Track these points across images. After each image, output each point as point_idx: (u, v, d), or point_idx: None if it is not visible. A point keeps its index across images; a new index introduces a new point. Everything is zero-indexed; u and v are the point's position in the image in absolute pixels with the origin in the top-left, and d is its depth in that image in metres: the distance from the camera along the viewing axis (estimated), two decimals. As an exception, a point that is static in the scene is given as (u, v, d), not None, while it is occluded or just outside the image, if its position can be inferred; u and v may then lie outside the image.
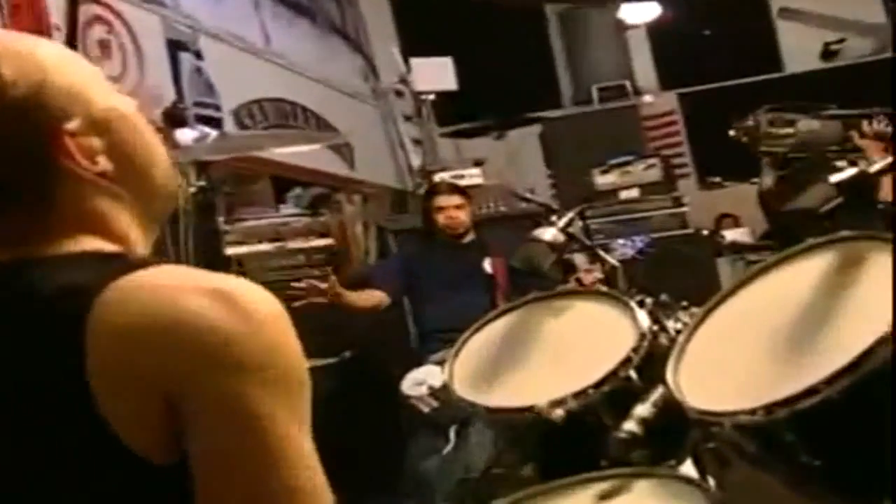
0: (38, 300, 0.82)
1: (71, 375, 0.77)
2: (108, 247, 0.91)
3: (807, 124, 3.89)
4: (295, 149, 3.90)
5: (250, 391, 0.78)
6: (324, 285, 3.41)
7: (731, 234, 5.84)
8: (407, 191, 6.10)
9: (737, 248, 5.64)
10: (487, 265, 3.97)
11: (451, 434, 3.31)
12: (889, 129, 3.96)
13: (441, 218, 4.03)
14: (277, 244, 4.02)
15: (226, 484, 0.78)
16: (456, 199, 4.07)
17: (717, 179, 6.61)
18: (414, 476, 3.36)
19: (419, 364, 3.60)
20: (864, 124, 3.99)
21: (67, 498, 0.79)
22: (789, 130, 3.86)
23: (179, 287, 0.81)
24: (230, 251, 3.85)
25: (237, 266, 3.82)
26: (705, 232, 5.23)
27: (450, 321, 3.68)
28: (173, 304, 0.79)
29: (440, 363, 3.42)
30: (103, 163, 0.92)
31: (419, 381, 3.45)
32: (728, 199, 6.32)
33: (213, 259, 3.62)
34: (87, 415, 0.77)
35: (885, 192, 3.92)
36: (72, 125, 0.90)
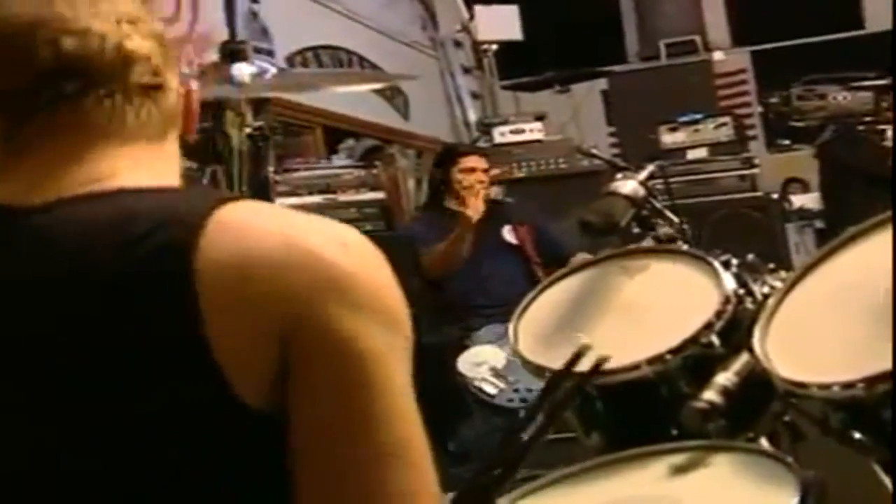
0: (138, 231, 0.77)
1: (182, 315, 0.74)
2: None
3: (838, 96, 3.77)
4: (355, 87, 3.84)
5: (365, 329, 0.77)
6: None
7: (798, 200, 5.69)
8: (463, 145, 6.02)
9: (805, 215, 5.50)
10: (508, 234, 3.85)
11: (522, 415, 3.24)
12: None
13: (470, 179, 3.86)
14: (328, 196, 3.99)
15: (332, 424, 0.76)
16: (484, 163, 3.95)
17: (787, 142, 6.43)
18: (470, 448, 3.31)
19: (460, 345, 3.52)
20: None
21: (161, 441, 0.75)
22: (820, 104, 3.76)
23: (291, 223, 0.80)
24: (279, 202, 3.82)
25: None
26: (774, 196, 5.09)
27: (474, 295, 3.62)
28: (288, 239, 0.78)
29: (495, 342, 3.37)
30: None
31: (477, 362, 3.38)
32: (797, 163, 6.15)
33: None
34: (200, 359, 0.74)
35: None
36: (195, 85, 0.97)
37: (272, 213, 0.82)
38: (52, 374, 0.76)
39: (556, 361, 1.58)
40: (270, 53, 4.35)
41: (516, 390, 3.28)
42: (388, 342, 0.78)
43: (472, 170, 3.91)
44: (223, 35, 3.95)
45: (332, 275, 0.77)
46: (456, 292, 3.73)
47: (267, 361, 0.76)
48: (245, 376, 0.75)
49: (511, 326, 1.73)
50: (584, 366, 1.12)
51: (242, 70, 1.87)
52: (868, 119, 3.98)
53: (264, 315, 0.75)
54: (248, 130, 1.99)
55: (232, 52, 1.88)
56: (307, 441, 0.77)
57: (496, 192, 4.10)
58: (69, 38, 0.84)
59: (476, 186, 3.84)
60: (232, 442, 0.76)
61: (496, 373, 3.31)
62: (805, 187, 5.99)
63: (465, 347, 3.47)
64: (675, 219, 1.94)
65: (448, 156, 4.06)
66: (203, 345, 0.74)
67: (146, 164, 0.88)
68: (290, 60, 4.59)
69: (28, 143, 0.85)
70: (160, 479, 0.76)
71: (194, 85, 0.97)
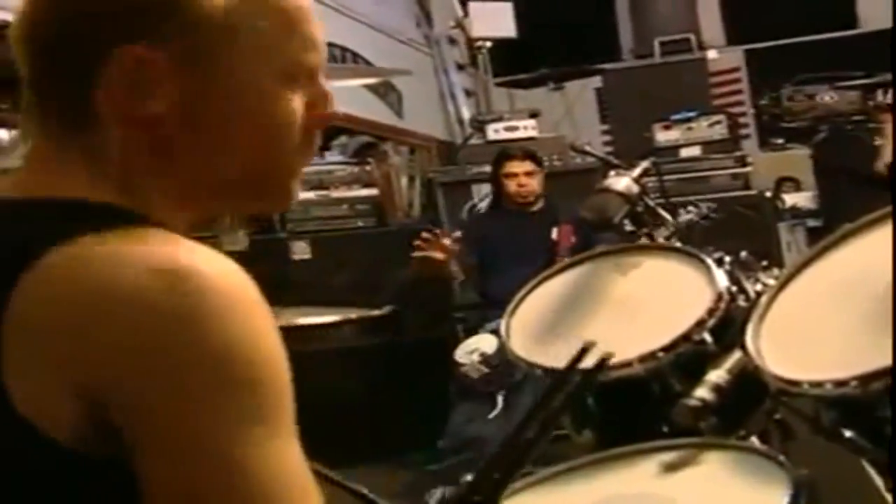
0: None
1: None
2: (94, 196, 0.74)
3: (825, 97, 3.78)
4: (349, 82, 3.83)
5: (198, 407, 0.65)
6: (446, 241, 3.36)
7: (791, 198, 5.70)
8: (455, 143, 6.00)
9: (797, 213, 5.50)
10: (555, 234, 3.87)
11: (499, 400, 3.26)
12: None
13: (511, 185, 3.93)
14: (321, 192, 3.98)
15: (157, 474, 0.65)
16: (528, 166, 3.96)
17: (780, 141, 6.44)
18: (459, 436, 3.33)
19: (474, 332, 3.54)
20: (879, 94, 3.86)
21: None
22: (810, 104, 3.76)
23: (122, 260, 0.67)
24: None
25: (278, 213, 3.78)
26: (767, 194, 5.10)
27: (514, 293, 3.59)
28: (106, 280, 0.66)
29: (495, 332, 3.37)
30: (155, 106, 0.75)
31: (471, 350, 3.40)
32: (790, 162, 6.15)
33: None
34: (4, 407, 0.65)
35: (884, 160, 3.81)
36: (131, 49, 0.74)
37: (101, 254, 0.68)
38: None
39: (548, 358, 1.58)
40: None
41: (499, 374, 3.30)
42: (237, 415, 0.66)
43: (514, 175, 3.93)
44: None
45: (150, 328, 0.65)
46: (500, 293, 3.72)
47: (78, 419, 0.66)
48: (56, 426, 0.66)
49: (503, 323, 1.72)
50: (587, 362, 1.11)
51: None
52: (856, 118, 3.99)
53: (63, 376, 0.65)
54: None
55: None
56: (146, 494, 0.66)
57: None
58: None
59: (516, 190, 3.88)
60: (49, 486, 0.67)
61: (484, 358, 3.33)
62: (798, 186, 6.00)
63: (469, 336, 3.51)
64: (669, 217, 1.94)
65: (497, 158, 4.11)
66: (3, 392, 0.65)
67: (52, 166, 0.76)
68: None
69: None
70: None
71: (142, 51, 0.75)
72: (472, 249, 3.72)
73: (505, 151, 4.10)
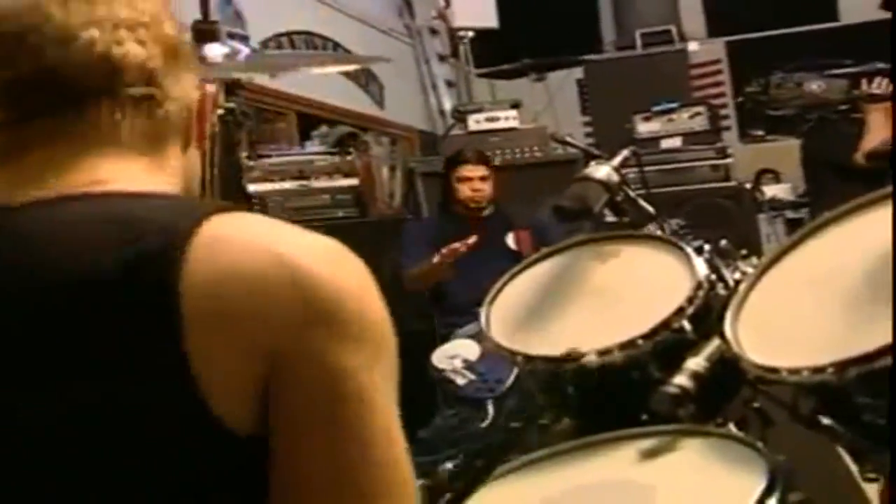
0: (121, 236, 0.74)
1: (162, 329, 0.71)
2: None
3: (812, 85, 3.79)
4: (328, 69, 3.81)
5: (352, 359, 0.74)
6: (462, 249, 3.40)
7: (771, 190, 5.73)
8: (437, 133, 6.00)
9: (777, 205, 5.53)
10: (511, 240, 3.84)
11: (489, 408, 3.25)
12: (887, 90, 3.85)
13: (465, 190, 3.87)
14: (301, 183, 3.96)
15: (311, 447, 0.74)
16: (482, 170, 3.91)
17: (760, 133, 6.47)
18: (444, 439, 3.31)
19: (443, 340, 3.52)
20: (864, 84, 3.88)
21: (142, 468, 0.72)
22: (798, 92, 3.76)
23: (279, 239, 0.76)
24: (252, 188, 3.79)
25: (259, 203, 3.76)
26: (747, 186, 5.12)
27: (473, 300, 3.58)
28: (275, 257, 0.74)
29: (472, 337, 3.37)
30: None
31: (451, 355, 3.39)
32: (769, 154, 6.18)
33: (234, 194, 3.56)
34: (178, 377, 0.71)
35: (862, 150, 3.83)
36: (212, 88, 0.97)
37: (261, 227, 0.78)
38: (20, 380, 0.73)
39: (529, 346, 1.58)
40: (245, 39, 4.31)
41: (485, 381, 3.30)
42: (374, 369, 0.76)
43: (468, 179, 3.89)
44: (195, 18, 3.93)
45: (319, 296, 0.74)
46: (455, 299, 3.71)
47: (249, 383, 0.73)
48: (225, 396, 0.72)
49: (483, 311, 1.72)
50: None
51: (214, 50, 1.84)
52: (842, 108, 3.99)
53: (246, 335, 0.73)
54: (219, 112, 1.95)
55: (203, 31, 1.84)
56: (288, 472, 0.74)
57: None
58: (53, 47, 0.82)
59: (470, 195, 3.84)
60: (208, 463, 0.73)
61: (468, 365, 3.32)
62: (777, 178, 6.03)
63: (444, 340, 3.49)
64: (649, 207, 1.94)
65: (450, 162, 4.06)
66: (182, 361, 0.71)
67: (142, 176, 0.84)
68: (264, 46, 4.55)
69: (21, 146, 0.83)
70: (134, 495, 0.73)
71: (210, 88, 0.94)
72: (422, 254, 3.70)
73: (459, 154, 4.05)
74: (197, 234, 0.74)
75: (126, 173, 0.83)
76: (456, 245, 3.48)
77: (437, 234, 3.77)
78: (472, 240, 3.48)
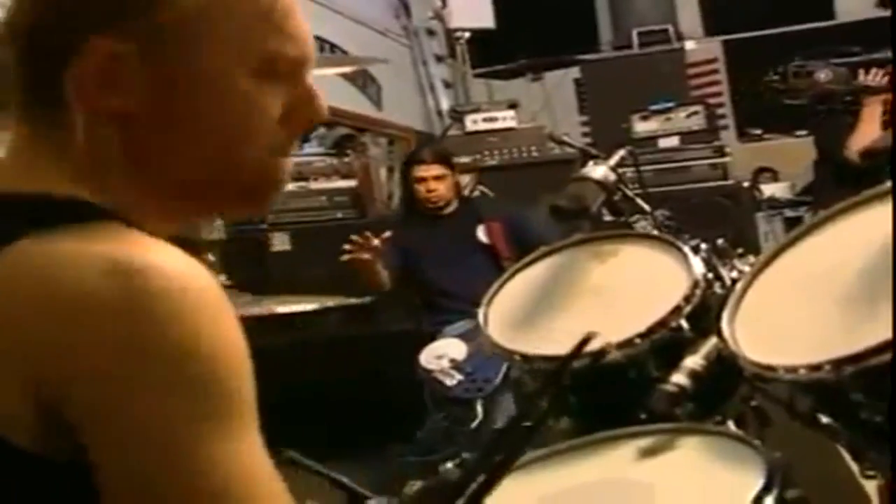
0: None
1: None
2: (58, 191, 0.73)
3: (820, 74, 3.78)
4: (325, 71, 3.80)
5: (150, 405, 0.64)
6: (375, 242, 3.39)
7: (769, 189, 5.73)
8: (434, 134, 6.00)
9: (775, 204, 5.54)
10: (481, 233, 3.80)
11: (479, 408, 3.25)
12: (881, 81, 3.85)
13: (420, 190, 3.83)
14: (299, 184, 3.96)
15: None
16: (437, 170, 3.85)
17: (758, 132, 6.48)
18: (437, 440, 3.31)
19: (430, 340, 3.52)
20: (861, 75, 3.88)
21: None
22: (809, 81, 3.76)
23: (75, 256, 0.66)
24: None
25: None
26: (745, 184, 5.12)
27: (452, 298, 3.60)
28: (58, 279, 0.65)
29: (459, 336, 3.37)
30: (122, 100, 0.74)
31: (438, 355, 3.38)
32: (767, 153, 6.19)
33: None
34: None
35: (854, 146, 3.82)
36: (103, 41, 0.73)
37: (56, 252, 0.67)
38: None
39: (528, 346, 1.58)
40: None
41: (473, 381, 3.30)
42: (192, 413, 0.65)
43: (423, 179, 3.84)
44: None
45: (101, 325, 0.64)
46: (430, 291, 3.71)
47: (33, 419, 0.65)
48: (11, 427, 0.65)
49: (481, 311, 1.72)
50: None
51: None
52: (847, 99, 3.99)
53: (17, 373, 0.65)
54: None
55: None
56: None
57: (468, 183, 4.06)
58: None
59: (425, 195, 3.82)
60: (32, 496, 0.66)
61: (455, 365, 3.32)
62: (775, 176, 6.04)
63: (433, 340, 3.49)
64: (646, 206, 1.94)
65: (406, 163, 4.03)
66: None
67: (23, 159, 0.75)
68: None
69: None
70: None
71: (114, 45, 0.73)
72: (394, 256, 3.68)
73: (413, 155, 4.02)
74: (2, 252, 0.67)
75: (10, 157, 0.75)
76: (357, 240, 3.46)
77: (404, 234, 3.76)
78: (375, 241, 3.45)
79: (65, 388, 0.65)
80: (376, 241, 3.44)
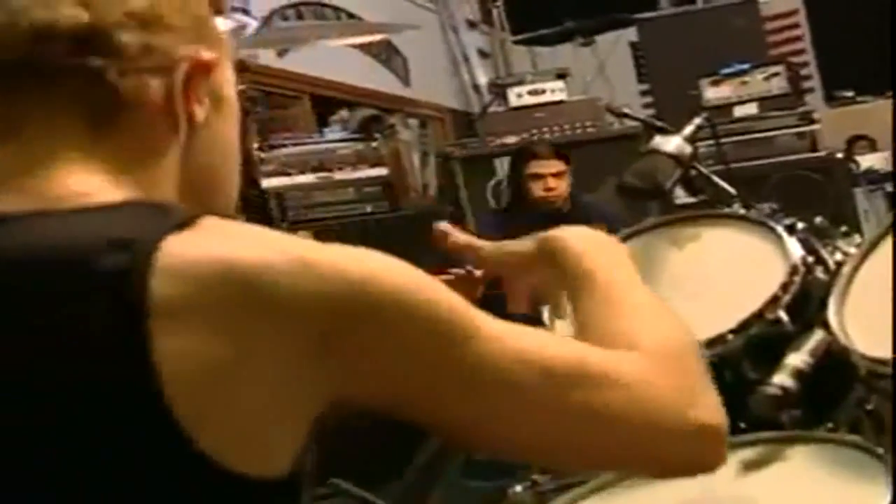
0: (72, 257, 0.74)
1: (128, 359, 0.71)
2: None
3: None
4: (346, 41, 3.83)
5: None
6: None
7: (866, 160, 5.67)
8: (472, 112, 6.01)
9: (874, 177, 5.47)
10: None
11: None
12: None
13: (537, 189, 3.94)
14: (321, 175, 3.98)
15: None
16: (556, 166, 3.97)
17: (849, 94, 6.41)
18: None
19: None
20: None
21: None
22: None
23: (239, 245, 0.76)
24: (266, 183, 3.82)
25: (276, 200, 3.80)
26: (839, 156, 5.07)
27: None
28: (229, 263, 0.74)
29: None
30: (200, 113, 0.88)
31: None
32: (862, 118, 6.12)
33: (247, 192, 3.59)
34: (152, 413, 0.71)
35: None
36: (207, 55, 0.88)
37: (223, 236, 0.77)
38: None
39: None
40: (245, 11, 4.35)
41: None
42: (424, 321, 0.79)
43: (540, 177, 3.94)
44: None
45: (275, 298, 0.74)
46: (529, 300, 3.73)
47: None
48: (223, 433, 0.73)
49: (546, 310, 1.72)
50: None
51: (219, 25, 1.86)
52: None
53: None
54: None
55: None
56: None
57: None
58: None
59: (543, 195, 3.90)
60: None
61: None
62: (873, 145, 5.97)
63: None
64: (727, 186, 1.94)
65: (519, 156, 4.12)
66: (154, 394, 0.71)
67: (125, 180, 0.84)
68: (267, 20, 4.59)
69: None
70: None
71: (204, 55, 0.88)
72: None
73: (529, 149, 4.11)
74: (158, 250, 0.74)
75: (109, 180, 0.83)
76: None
77: (508, 236, 3.78)
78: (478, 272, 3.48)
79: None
80: (478, 273, 3.48)
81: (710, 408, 0.85)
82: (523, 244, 1.20)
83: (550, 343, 0.83)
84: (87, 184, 0.81)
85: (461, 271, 3.57)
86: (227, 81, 0.93)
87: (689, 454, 0.85)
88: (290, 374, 0.74)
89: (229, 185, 0.94)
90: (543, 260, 1.10)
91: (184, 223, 0.76)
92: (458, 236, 1.25)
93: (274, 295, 0.74)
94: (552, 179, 3.94)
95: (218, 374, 0.72)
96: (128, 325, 0.71)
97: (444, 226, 1.22)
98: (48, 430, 0.72)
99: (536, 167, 3.97)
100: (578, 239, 1.06)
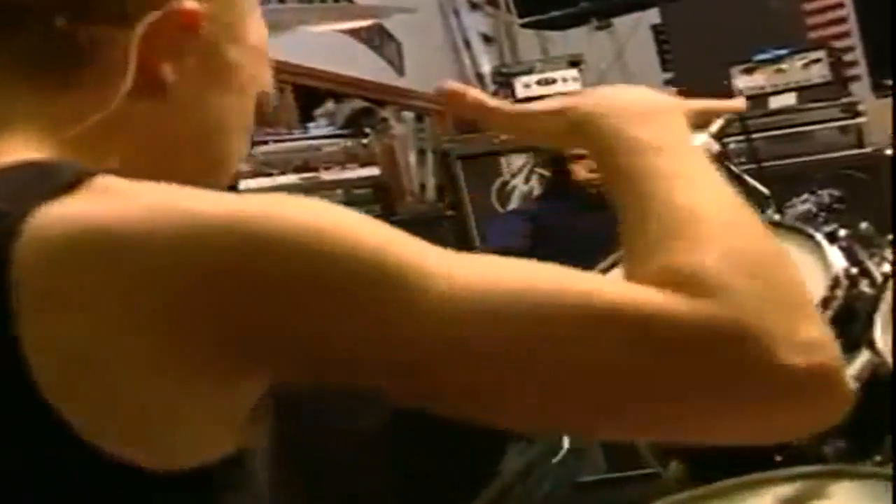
0: None
1: None
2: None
3: None
4: (333, 26, 3.85)
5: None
6: None
7: (919, 157, 5.68)
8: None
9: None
10: None
11: (564, 439, 3.27)
12: None
13: (581, 170, 3.96)
14: (306, 176, 4.00)
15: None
16: None
17: (899, 82, 6.43)
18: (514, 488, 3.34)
19: None
20: None
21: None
22: None
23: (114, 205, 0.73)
24: (244, 185, 3.84)
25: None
26: (888, 152, 5.08)
27: None
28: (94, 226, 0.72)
29: None
30: (168, 73, 0.86)
31: None
32: (913, 110, 6.13)
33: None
34: (25, 396, 0.70)
35: None
36: (189, 5, 0.85)
37: (108, 196, 0.75)
38: None
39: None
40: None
41: None
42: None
43: (582, 157, 3.96)
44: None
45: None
46: None
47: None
48: (108, 420, 0.72)
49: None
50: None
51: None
52: None
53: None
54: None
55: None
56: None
57: (522, 166, 4.09)
58: None
59: (588, 176, 3.94)
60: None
61: None
62: (926, 140, 5.98)
63: None
64: (760, 186, 1.95)
65: None
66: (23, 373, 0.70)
67: (66, 144, 0.83)
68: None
69: None
70: None
71: (187, 3, 0.86)
72: (521, 247, 3.74)
73: None
74: (29, 217, 0.72)
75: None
76: None
77: (545, 221, 3.79)
78: None
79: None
80: None
81: (812, 342, 0.75)
82: (550, 108, 1.05)
83: (561, 278, 0.76)
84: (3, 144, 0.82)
85: None
86: (237, 45, 0.91)
87: (793, 407, 0.76)
88: (164, 353, 0.71)
89: (217, 160, 0.93)
90: (576, 136, 1.01)
91: (66, 186, 0.74)
92: (473, 95, 1.07)
93: (121, 255, 0.71)
94: None
95: (83, 359, 0.71)
96: None
97: (453, 84, 1.07)
98: None
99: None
100: (620, 107, 0.96)
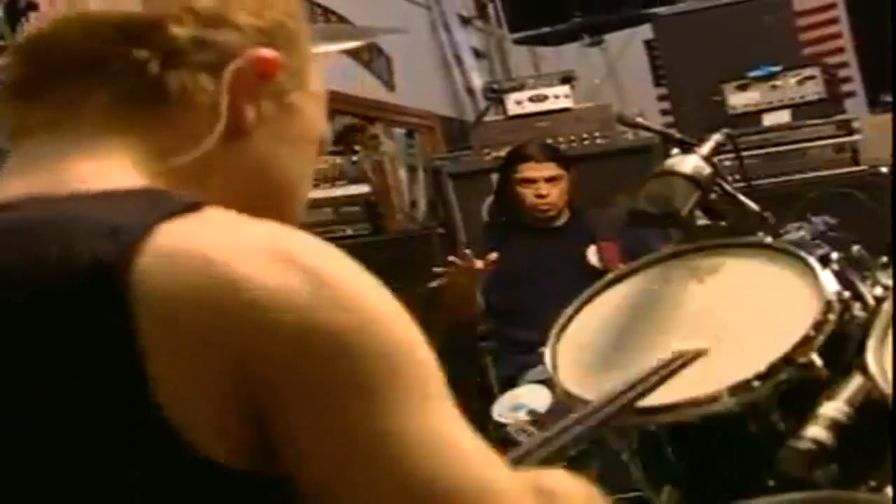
0: (56, 242, 0.81)
1: (114, 345, 0.78)
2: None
3: None
4: (323, 48, 3.84)
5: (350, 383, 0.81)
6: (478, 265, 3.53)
7: (916, 176, 5.70)
8: (466, 120, 6.04)
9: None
10: (593, 255, 3.86)
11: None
12: None
13: (528, 195, 3.92)
14: (295, 194, 3.99)
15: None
16: (550, 169, 3.94)
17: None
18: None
19: (510, 385, 3.59)
20: None
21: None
22: None
23: (223, 242, 0.82)
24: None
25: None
26: (883, 170, 5.09)
27: (543, 333, 3.59)
28: (214, 266, 0.80)
29: (542, 382, 3.39)
30: (251, 116, 0.95)
31: (516, 405, 3.41)
32: (910, 127, 6.15)
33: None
34: (138, 400, 0.78)
35: None
36: (268, 54, 0.95)
37: (213, 229, 0.84)
38: None
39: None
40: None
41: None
42: (383, 388, 0.82)
43: (531, 181, 3.93)
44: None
45: (284, 317, 0.80)
46: (521, 333, 3.72)
47: (232, 410, 0.81)
48: (202, 424, 0.80)
49: (548, 350, 1.74)
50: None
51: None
52: None
53: (209, 352, 0.80)
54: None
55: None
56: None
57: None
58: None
59: (534, 202, 3.91)
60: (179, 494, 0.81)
61: (535, 419, 3.33)
62: (923, 158, 6.00)
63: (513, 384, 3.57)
64: (754, 205, 1.96)
65: (509, 159, 4.11)
66: (141, 379, 0.78)
67: (155, 173, 0.92)
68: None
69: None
70: None
71: (265, 53, 0.96)
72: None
73: (520, 150, 4.09)
74: (147, 239, 0.81)
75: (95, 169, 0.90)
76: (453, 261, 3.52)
77: (494, 250, 3.78)
78: (479, 263, 3.51)
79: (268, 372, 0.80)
80: (479, 264, 3.49)
81: None
82: None
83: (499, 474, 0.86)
84: (101, 170, 0.89)
85: (459, 261, 3.59)
86: (303, 92, 1.00)
87: None
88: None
89: (288, 196, 1.02)
90: None
91: (180, 211, 0.82)
92: None
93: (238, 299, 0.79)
94: (545, 185, 3.90)
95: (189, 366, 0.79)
96: (115, 315, 0.78)
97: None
98: (33, 424, 0.81)
99: (528, 170, 3.93)
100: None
